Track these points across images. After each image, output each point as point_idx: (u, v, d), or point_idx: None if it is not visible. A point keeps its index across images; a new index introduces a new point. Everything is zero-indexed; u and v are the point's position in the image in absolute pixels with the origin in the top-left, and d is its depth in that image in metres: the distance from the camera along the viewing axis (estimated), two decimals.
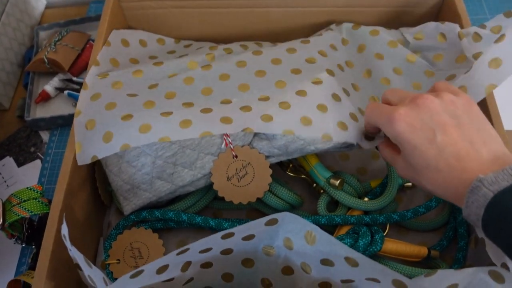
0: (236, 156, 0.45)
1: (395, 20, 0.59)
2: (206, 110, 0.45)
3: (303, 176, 0.52)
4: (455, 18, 0.53)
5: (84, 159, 0.44)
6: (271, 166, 0.46)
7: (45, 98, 0.67)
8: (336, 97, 0.47)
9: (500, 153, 0.34)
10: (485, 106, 0.46)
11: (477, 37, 0.48)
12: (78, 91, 0.67)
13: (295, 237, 0.38)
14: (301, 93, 0.46)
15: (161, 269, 0.37)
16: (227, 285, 0.43)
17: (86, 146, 0.44)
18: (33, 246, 0.54)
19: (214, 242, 0.37)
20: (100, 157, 0.44)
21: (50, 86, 0.67)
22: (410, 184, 0.52)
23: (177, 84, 0.49)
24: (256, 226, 0.37)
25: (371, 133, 0.44)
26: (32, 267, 0.53)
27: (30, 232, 0.51)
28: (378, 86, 0.52)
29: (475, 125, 0.35)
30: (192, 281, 0.42)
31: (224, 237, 0.36)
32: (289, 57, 0.51)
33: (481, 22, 0.55)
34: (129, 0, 0.58)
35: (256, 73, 0.49)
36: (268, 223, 0.37)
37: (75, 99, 0.67)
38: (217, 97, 0.48)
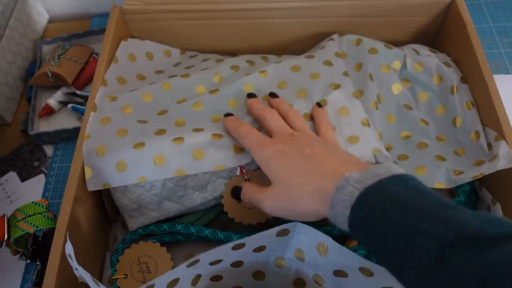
0: (248, 180, 0.45)
1: (400, 30, 0.59)
2: (217, 137, 0.45)
3: None
4: (460, 27, 0.53)
5: (94, 185, 0.44)
6: None
7: (48, 112, 0.67)
8: (343, 112, 0.48)
9: (361, 161, 0.37)
10: (495, 115, 0.46)
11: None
12: (82, 104, 0.67)
13: (307, 248, 0.38)
14: (306, 116, 0.47)
15: (172, 283, 0.36)
16: None
17: (96, 173, 0.44)
18: (38, 263, 0.53)
19: (225, 253, 0.36)
20: (113, 185, 0.44)
21: (53, 100, 0.67)
22: None
23: (186, 110, 0.49)
24: (267, 236, 0.36)
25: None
26: (37, 283, 0.52)
27: (35, 248, 0.50)
28: (368, 108, 0.51)
29: (338, 149, 0.40)
30: None
31: (234, 248, 0.36)
32: (293, 76, 0.52)
33: (484, 31, 0.55)
34: (133, 12, 0.58)
35: (263, 98, 0.50)
36: (280, 234, 0.36)
37: (79, 112, 0.67)
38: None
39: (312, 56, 0.54)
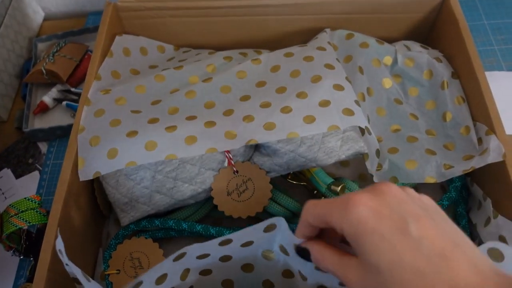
0: (237, 172, 0.45)
1: (394, 27, 0.59)
2: (210, 124, 0.45)
3: (303, 183, 0.52)
4: (453, 24, 0.53)
5: (86, 175, 0.44)
6: (272, 178, 0.46)
7: (43, 109, 0.67)
8: (339, 87, 0.47)
9: (490, 262, 0.26)
10: (486, 110, 0.46)
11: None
12: (76, 101, 0.67)
13: (288, 246, 0.38)
14: (301, 95, 0.46)
15: (160, 279, 0.36)
16: None
17: (89, 162, 0.44)
18: (31, 258, 0.53)
19: (212, 248, 0.36)
20: (103, 173, 0.44)
21: (48, 97, 0.67)
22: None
23: (180, 99, 0.49)
24: (254, 232, 0.36)
25: (307, 236, 0.33)
26: (30, 279, 0.52)
27: (28, 244, 0.51)
28: None
29: (450, 224, 0.28)
30: None
31: (222, 243, 0.36)
32: (287, 60, 0.51)
33: (478, 28, 0.55)
34: (127, 9, 0.58)
35: (257, 84, 0.50)
36: (267, 230, 0.36)
37: (73, 109, 0.67)
38: (220, 110, 0.48)
39: (305, 45, 0.54)
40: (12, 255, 0.49)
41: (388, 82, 0.53)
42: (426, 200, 0.29)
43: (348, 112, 0.44)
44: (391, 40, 0.58)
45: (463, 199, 0.49)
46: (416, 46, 0.55)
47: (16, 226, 0.45)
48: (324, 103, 0.45)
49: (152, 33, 0.60)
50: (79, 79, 0.69)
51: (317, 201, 0.31)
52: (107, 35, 0.55)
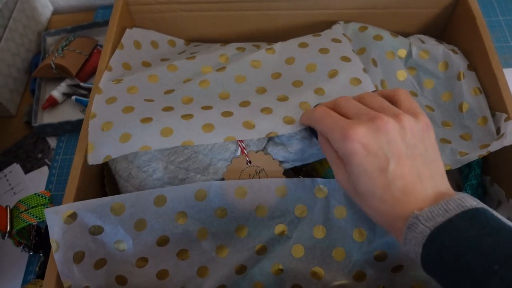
0: (250, 162, 0.44)
1: (408, 22, 0.58)
2: (227, 114, 0.44)
3: None
4: (470, 20, 0.52)
5: (96, 159, 0.42)
6: (285, 171, 0.45)
7: (52, 104, 0.67)
8: (355, 81, 0.46)
9: (443, 189, 0.33)
10: (503, 102, 0.45)
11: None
12: (85, 96, 0.66)
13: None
14: (319, 91, 0.45)
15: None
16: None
17: (99, 147, 0.42)
18: (41, 254, 0.53)
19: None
20: (114, 156, 0.41)
21: (57, 92, 0.67)
22: None
23: (193, 88, 0.48)
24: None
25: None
26: (40, 275, 0.51)
27: (38, 240, 0.50)
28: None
29: (427, 156, 0.34)
30: None
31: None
32: (302, 52, 0.50)
33: (494, 24, 0.54)
34: (137, 3, 0.57)
35: (272, 75, 0.49)
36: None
37: (82, 104, 0.66)
38: (235, 101, 0.47)
39: (319, 35, 0.53)
40: (21, 251, 0.49)
41: (402, 75, 0.52)
42: (417, 130, 0.34)
43: None
44: (405, 36, 0.57)
45: (479, 197, 0.48)
46: (430, 40, 0.55)
47: (26, 222, 0.44)
48: None
49: (163, 27, 0.60)
50: (89, 73, 0.69)
51: (324, 114, 0.37)
52: (118, 29, 0.54)
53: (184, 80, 0.50)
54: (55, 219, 0.39)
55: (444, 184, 0.34)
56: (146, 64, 0.55)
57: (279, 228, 0.43)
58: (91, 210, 0.39)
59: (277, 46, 0.52)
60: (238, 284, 0.43)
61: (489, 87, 0.48)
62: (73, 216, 0.39)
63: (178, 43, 0.60)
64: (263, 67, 0.50)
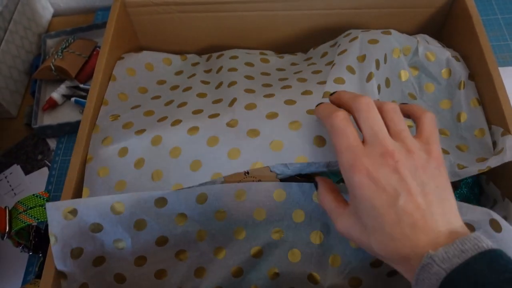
0: (248, 173, 0.45)
1: (406, 21, 0.58)
2: (213, 142, 0.42)
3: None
4: (466, 19, 0.52)
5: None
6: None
7: (52, 105, 0.67)
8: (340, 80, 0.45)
9: (456, 227, 0.32)
10: (501, 111, 0.44)
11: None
12: (85, 98, 0.67)
13: None
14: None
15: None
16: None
17: (94, 193, 0.43)
18: (40, 255, 0.53)
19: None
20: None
21: (57, 94, 0.67)
22: None
23: (185, 114, 0.47)
24: None
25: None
26: (39, 275, 0.52)
27: (37, 240, 0.51)
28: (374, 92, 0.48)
29: (438, 194, 0.33)
30: None
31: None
32: (299, 85, 0.48)
33: (491, 23, 0.54)
34: (135, 5, 0.57)
35: (285, 102, 0.46)
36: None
37: (82, 106, 0.67)
38: (223, 120, 0.45)
39: (319, 72, 0.50)
40: (21, 252, 0.49)
41: (405, 74, 0.51)
42: (430, 168, 0.33)
43: None
44: None
45: (475, 196, 0.48)
46: (434, 42, 0.54)
47: (24, 223, 0.45)
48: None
49: (160, 29, 0.60)
50: (88, 75, 0.69)
51: (339, 125, 0.35)
52: (115, 31, 0.54)
53: (178, 105, 0.49)
54: (55, 214, 0.39)
55: (458, 222, 0.32)
56: (143, 90, 0.54)
57: (276, 232, 0.43)
58: (91, 207, 0.40)
59: (294, 83, 0.48)
60: (234, 287, 0.43)
61: (487, 94, 0.48)
62: (74, 212, 0.40)
63: (174, 60, 0.59)
64: (258, 108, 0.46)
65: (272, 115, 0.43)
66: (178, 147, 0.43)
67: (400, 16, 0.58)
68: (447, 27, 0.58)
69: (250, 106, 0.45)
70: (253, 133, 0.42)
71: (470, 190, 0.47)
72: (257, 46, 0.61)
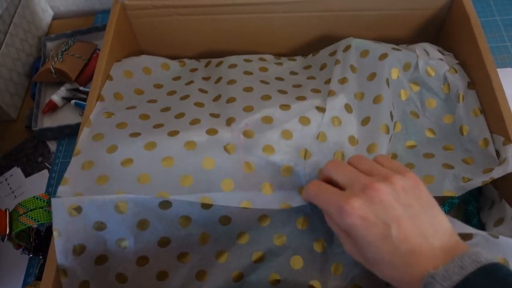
0: None
1: (404, 24, 0.58)
2: (209, 164, 0.43)
3: None
4: (464, 20, 0.52)
5: (67, 194, 0.42)
6: None
7: (52, 108, 0.67)
8: (336, 122, 0.46)
9: (452, 242, 0.34)
10: (501, 118, 0.44)
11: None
12: (85, 100, 0.67)
13: None
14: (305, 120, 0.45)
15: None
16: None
17: (74, 183, 0.42)
18: (41, 257, 0.53)
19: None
20: (85, 195, 0.41)
21: (57, 96, 0.67)
22: None
23: (182, 125, 0.46)
24: None
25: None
26: (40, 277, 0.52)
27: (38, 243, 0.51)
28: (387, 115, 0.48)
29: (426, 213, 0.34)
30: None
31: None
32: (298, 103, 0.48)
33: (490, 24, 0.54)
34: (134, 8, 0.58)
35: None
36: None
37: (82, 108, 0.67)
38: (220, 142, 0.45)
39: (313, 77, 0.52)
40: (21, 254, 0.50)
41: (405, 94, 0.51)
42: (409, 187, 0.35)
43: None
44: (400, 39, 0.57)
45: (474, 197, 0.48)
46: (434, 51, 0.53)
47: (24, 225, 0.45)
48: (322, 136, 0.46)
49: (159, 31, 0.60)
50: (88, 77, 0.70)
51: (316, 191, 0.38)
52: (115, 34, 0.55)
53: (175, 115, 0.48)
54: (60, 209, 0.40)
55: (452, 237, 0.34)
56: (139, 92, 0.54)
57: (279, 238, 0.43)
58: (96, 205, 0.40)
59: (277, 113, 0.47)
60: None
61: (486, 101, 0.48)
62: (78, 209, 0.40)
63: (172, 65, 0.59)
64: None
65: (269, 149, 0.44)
66: (171, 157, 0.43)
67: (398, 19, 0.58)
68: (445, 29, 0.58)
69: (248, 134, 0.45)
70: (249, 167, 0.43)
71: (469, 192, 0.47)
72: (255, 49, 0.61)
